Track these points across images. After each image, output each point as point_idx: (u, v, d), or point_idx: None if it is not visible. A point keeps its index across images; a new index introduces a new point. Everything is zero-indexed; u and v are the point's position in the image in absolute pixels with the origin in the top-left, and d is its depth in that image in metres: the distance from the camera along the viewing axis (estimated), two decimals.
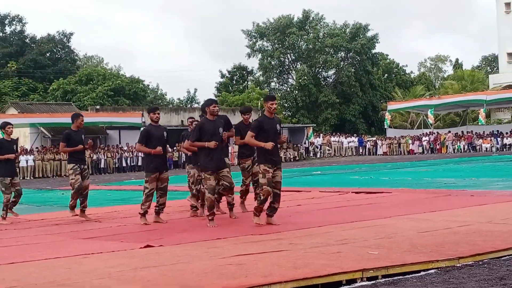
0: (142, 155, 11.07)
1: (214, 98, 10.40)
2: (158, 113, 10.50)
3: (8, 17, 65.98)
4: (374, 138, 53.27)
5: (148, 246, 7.93)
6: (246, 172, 11.17)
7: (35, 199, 18.80)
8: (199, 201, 12.08)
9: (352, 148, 50.78)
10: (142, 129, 10.84)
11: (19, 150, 12.65)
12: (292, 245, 7.55)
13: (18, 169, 34.38)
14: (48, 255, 7.47)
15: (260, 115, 10.12)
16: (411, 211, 10.50)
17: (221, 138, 9.91)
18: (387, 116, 53.74)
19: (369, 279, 5.99)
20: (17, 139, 12.90)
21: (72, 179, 11.61)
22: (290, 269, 6.02)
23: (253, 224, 9.59)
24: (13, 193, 12.21)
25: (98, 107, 46.51)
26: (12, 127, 12.40)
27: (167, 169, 10.57)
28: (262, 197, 9.36)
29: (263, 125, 9.48)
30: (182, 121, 46.51)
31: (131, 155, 40.30)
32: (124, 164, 40.08)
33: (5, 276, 6.15)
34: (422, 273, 6.24)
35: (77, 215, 11.73)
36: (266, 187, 9.31)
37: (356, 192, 14.61)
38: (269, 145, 9.27)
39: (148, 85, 72.35)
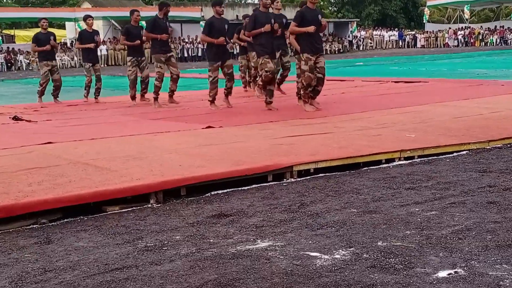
0: (205, 46, 10.87)
1: None
2: (223, 7, 10.32)
3: None
4: (413, 32, 51.68)
5: (209, 127, 8.03)
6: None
7: (109, 84, 19.07)
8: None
9: (392, 41, 49.44)
10: (206, 20, 10.61)
11: (99, 40, 12.75)
12: (337, 128, 7.55)
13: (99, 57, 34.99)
14: (123, 133, 7.66)
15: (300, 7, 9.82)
16: (446, 99, 10.31)
17: (273, 28, 9.73)
18: (426, 11, 51.79)
19: (406, 158, 6.00)
20: (97, 31, 12.97)
21: (129, 70, 11.73)
22: (335, 149, 6.05)
23: (301, 110, 9.58)
24: (94, 78, 12.46)
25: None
26: (92, 19, 12.61)
27: (229, 57, 10.50)
28: (305, 84, 9.27)
29: (305, 16, 9.26)
30: (237, 15, 45.75)
31: (192, 47, 40.17)
32: (185, 55, 40.05)
33: (87, 150, 6.36)
34: (455, 154, 6.20)
35: (135, 104, 11.77)
36: (308, 73, 9.21)
37: (396, 82, 14.36)
38: (311, 28, 9.09)
39: None
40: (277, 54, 10.08)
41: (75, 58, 36.09)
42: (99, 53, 36.19)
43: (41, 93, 12.61)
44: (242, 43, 11.67)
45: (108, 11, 39.66)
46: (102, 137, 7.35)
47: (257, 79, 12.39)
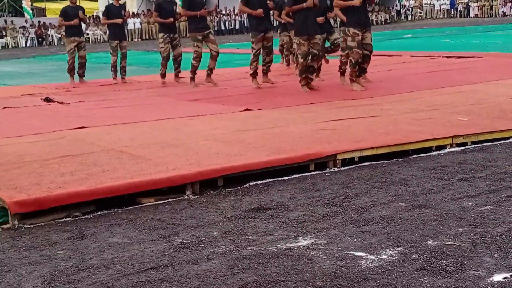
0: (244, 18, 10.67)
1: None
2: None
3: None
4: (466, 0, 50.45)
5: (247, 109, 8.01)
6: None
7: (144, 60, 19.24)
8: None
9: (443, 10, 48.34)
10: None
11: (126, 15, 12.71)
12: (384, 110, 7.45)
13: (126, 31, 35.18)
14: (158, 116, 7.70)
15: None
16: (501, 76, 10.06)
17: (315, 4, 9.58)
18: None
19: (458, 145, 5.88)
20: (125, 3, 12.94)
21: (161, 47, 11.71)
22: (381, 134, 5.97)
23: (345, 89, 9.49)
24: (119, 54, 12.45)
25: None
26: None
27: (272, 28, 10.41)
28: (353, 61, 9.16)
29: None
30: None
31: (229, 19, 40.05)
32: (222, 28, 39.97)
33: (121, 135, 6.42)
34: (511, 139, 6.06)
35: (165, 82, 11.81)
36: (356, 49, 9.08)
37: (447, 57, 14.06)
38: (357, 1, 8.94)
39: None
40: (320, 37, 9.90)
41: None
42: (132, 27, 36.83)
43: (71, 71, 12.64)
44: (283, 20, 11.55)
45: None
46: (136, 121, 7.41)
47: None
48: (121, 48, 12.47)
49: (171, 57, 11.76)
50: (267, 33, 10.21)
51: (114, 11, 12.37)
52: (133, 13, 38.49)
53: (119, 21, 12.33)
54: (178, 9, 12.02)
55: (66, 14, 12.34)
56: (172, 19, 11.60)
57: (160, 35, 11.80)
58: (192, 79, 11.06)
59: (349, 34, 9.16)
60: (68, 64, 12.64)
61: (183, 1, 11.01)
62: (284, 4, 11.56)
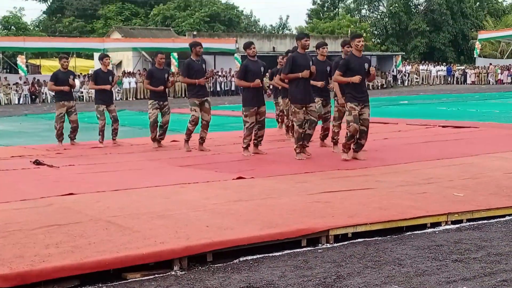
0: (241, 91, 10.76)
1: (306, 32, 10.03)
2: (254, 48, 10.36)
3: None
4: (463, 67, 51.32)
5: (240, 177, 8.02)
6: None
7: (138, 121, 19.32)
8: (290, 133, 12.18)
9: (440, 77, 49.15)
10: (240, 65, 10.67)
11: (115, 80, 12.76)
12: (378, 182, 7.47)
13: (116, 95, 35.47)
14: (149, 183, 7.69)
15: (344, 56, 9.88)
16: (498, 149, 10.15)
17: (310, 72, 9.73)
18: (477, 45, 51.43)
19: (453, 222, 5.87)
20: (113, 70, 13.07)
21: (149, 113, 11.85)
22: (375, 209, 5.96)
23: (339, 158, 9.54)
24: (107, 117, 12.48)
25: (195, 33, 46.57)
26: (109, 59, 12.66)
27: (265, 103, 10.52)
28: (349, 134, 9.23)
29: (350, 64, 9.25)
30: (274, 47, 46.21)
31: (225, 80, 40.54)
32: (218, 89, 40.40)
33: (110, 204, 6.39)
34: (507, 217, 6.06)
35: (160, 146, 11.90)
36: (352, 123, 9.16)
37: (443, 126, 14.19)
38: (356, 79, 9.08)
39: (242, 11, 71.90)
40: (318, 104, 10.03)
41: None
42: (127, 86, 37.19)
43: (59, 137, 12.54)
44: (280, 86, 11.71)
45: (139, 42, 40.39)
46: (127, 187, 7.39)
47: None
48: (110, 112, 12.47)
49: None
50: (261, 108, 10.33)
51: (102, 76, 12.42)
52: (129, 72, 38.99)
53: (107, 87, 12.36)
54: (171, 77, 12.21)
55: (57, 78, 12.43)
56: (162, 87, 11.78)
57: (150, 101, 11.92)
58: (186, 141, 11.15)
59: (347, 109, 9.27)
60: (56, 130, 12.55)
61: (183, 68, 11.17)
62: (279, 70, 11.79)
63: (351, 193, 6.79)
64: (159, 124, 11.92)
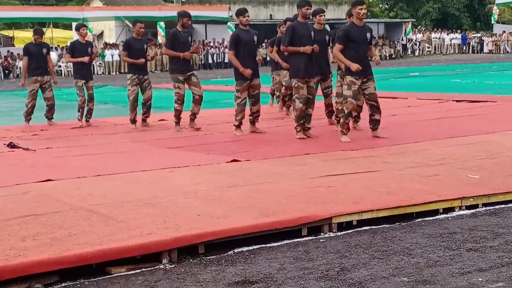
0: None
1: None
2: (248, 16, 10.33)
3: None
4: (479, 35, 51.26)
5: (234, 160, 8.03)
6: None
7: (121, 98, 19.23)
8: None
9: (454, 46, 49.15)
10: (231, 34, 10.63)
11: (94, 53, 12.66)
12: (386, 164, 7.49)
13: (97, 69, 35.36)
14: (134, 167, 7.70)
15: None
16: None
17: (313, 42, 9.73)
18: (495, 10, 51.28)
19: (468, 207, 5.90)
20: (93, 41, 13.03)
21: (128, 89, 11.82)
22: (382, 194, 5.98)
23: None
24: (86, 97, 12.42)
25: None
26: (86, 29, 12.63)
27: (258, 75, 10.51)
28: (346, 111, 9.20)
29: (350, 34, 9.21)
30: (271, 15, 46.06)
31: (217, 51, 40.43)
32: (210, 61, 40.32)
33: (92, 191, 6.40)
34: None
35: (146, 126, 11.91)
36: (350, 99, 9.15)
37: (457, 101, 14.21)
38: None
39: None
40: (315, 81, 10.02)
41: None
42: (110, 59, 37.06)
43: (28, 115, 12.52)
44: (277, 59, 11.70)
45: (122, 10, 40.16)
46: (110, 172, 7.40)
47: (286, 98, 12.51)
48: (88, 89, 12.42)
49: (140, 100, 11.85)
50: (254, 80, 10.31)
51: (80, 49, 12.35)
52: (111, 43, 38.85)
53: (86, 59, 12.28)
54: (152, 49, 12.16)
55: (28, 52, 12.43)
56: (143, 60, 11.75)
57: (128, 76, 11.88)
58: (177, 123, 11.12)
59: (345, 82, 9.24)
60: (27, 107, 12.52)
61: (166, 38, 11.12)
62: (277, 40, 11.76)
63: (356, 176, 6.81)
64: (140, 101, 11.88)
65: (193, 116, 11.21)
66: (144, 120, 12.04)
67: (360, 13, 9.21)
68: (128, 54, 11.76)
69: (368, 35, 9.32)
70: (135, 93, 11.78)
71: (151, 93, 11.99)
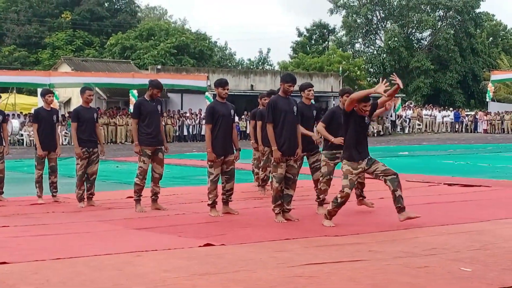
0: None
1: (292, 74, 10.25)
2: (228, 89, 10.45)
3: None
4: (473, 113, 52.15)
5: (208, 244, 7.99)
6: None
7: None
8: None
9: (446, 124, 49.88)
10: (207, 107, 10.75)
11: (59, 121, 12.51)
12: (372, 253, 7.48)
13: (62, 139, 35.26)
14: (98, 250, 7.62)
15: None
16: None
17: (296, 118, 9.88)
18: (490, 87, 52.39)
19: None
20: (60, 108, 13.00)
21: (77, 164, 11.78)
22: (368, 287, 5.96)
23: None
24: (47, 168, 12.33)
25: (159, 66, 46.99)
26: (53, 96, 12.58)
27: (233, 151, 10.59)
28: (338, 200, 9.19)
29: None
30: (252, 85, 46.63)
31: (193, 123, 40.67)
32: (185, 133, 40.52)
33: (50, 277, 6.31)
34: None
35: (91, 205, 11.77)
36: (347, 189, 9.15)
37: (449, 184, 14.33)
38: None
39: (216, 43, 72.79)
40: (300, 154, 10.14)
41: None
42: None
43: None
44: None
45: (92, 76, 40.40)
46: (71, 255, 7.31)
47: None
48: (50, 161, 12.36)
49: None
50: (228, 156, 10.40)
51: (45, 116, 12.27)
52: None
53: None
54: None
55: None
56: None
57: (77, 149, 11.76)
58: (138, 201, 11.01)
59: (342, 170, 9.30)
60: None
61: (133, 108, 11.18)
62: (259, 113, 11.97)
63: (340, 265, 6.79)
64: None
65: (155, 196, 11.16)
66: (89, 199, 11.86)
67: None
68: (78, 125, 11.70)
69: (367, 120, 9.44)
70: (84, 168, 11.71)
71: (97, 168, 11.94)
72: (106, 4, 66.48)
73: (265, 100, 12.18)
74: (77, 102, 42.54)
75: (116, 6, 68.32)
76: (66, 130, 36.57)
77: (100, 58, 54.39)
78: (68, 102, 43.43)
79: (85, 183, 11.81)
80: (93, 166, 11.87)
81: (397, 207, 9.25)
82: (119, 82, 40.14)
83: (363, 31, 67.73)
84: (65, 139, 36.28)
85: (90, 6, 63.67)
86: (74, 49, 59.97)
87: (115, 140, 37.92)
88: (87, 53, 58.68)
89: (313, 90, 10.93)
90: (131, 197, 12.16)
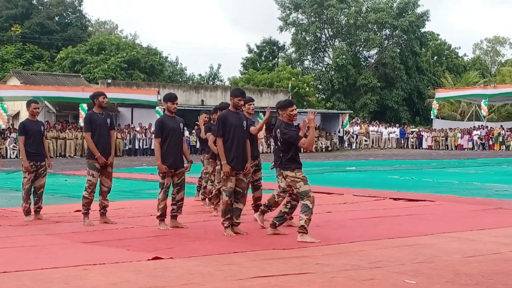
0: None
1: (242, 89, 10.34)
2: (177, 104, 10.47)
3: None
4: (418, 129, 52.94)
5: (156, 257, 7.93)
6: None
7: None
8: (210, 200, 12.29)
9: (392, 140, 50.53)
10: (156, 120, 10.72)
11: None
12: (319, 265, 7.52)
13: (11, 153, 34.77)
14: (45, 264, 7.51)
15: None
16: (456, 228, 10.41)
17: (246, 132, 9.92)
18: (435, 105, 53.30)
19: None
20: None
21: (24, 177, 11.61)
22: None
23: (275, 235, 9.62)
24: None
25: (109, 81, 46.64)
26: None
27: (183, 165, 10.57)
28: (311, 206, 9.27)
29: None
30: (202, 100, 46.58)
31: (143, 137, 40.42)
32: (136, 147, 40.23)
33: None
34: None
35: (39, 219, 11.54)
36: (311, 193, 9.33)
37: (395, 199, 14.50)
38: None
39: (167, 58, 72.63)
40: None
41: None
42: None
43: None
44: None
45: (42, 90, 39.80)
46: (17, 269, 7.18)
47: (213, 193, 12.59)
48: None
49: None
50: (179, 169, 10.45)
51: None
52: None
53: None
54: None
55: None
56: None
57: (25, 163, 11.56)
58: (86, 214, 10.87)
59: (300, 178, 9.34)
60: None
61: (84, 123, 11.13)
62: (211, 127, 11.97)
63: (287, 278, 6.80)
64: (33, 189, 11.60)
65: (104, 210, 11.05)
66: (37, 212, 11.66)
67: (292, 114, 9.55)
68: (25, 138, 11.51)
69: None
70: (30, 182, 11.54)
71: (44, 181, 11.76)
72: (56, 18, 65.83)
73: (215, 115, 12.18)
74: (25, 115, 41.67)
75: (66, 20, 67.69)
76: (14, 143, 36.00)
77: (50, 72, 53.80)
78: (17, 116, 42.79)
79: (32, 197, 11.61)
80: (41, 179, 11.68)
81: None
82: (69, 96, 39.68)
83: (312, 48, 68.38)
84: (13, 152, 35.72)
85: (40, 19, 63.03)
86: (23, 63, 59.20)
87: (64, 154, 37.41)
88: (37, 67, 58.01)
89: (253, 104, 11.02)
90: (79, 210, 12.00)
